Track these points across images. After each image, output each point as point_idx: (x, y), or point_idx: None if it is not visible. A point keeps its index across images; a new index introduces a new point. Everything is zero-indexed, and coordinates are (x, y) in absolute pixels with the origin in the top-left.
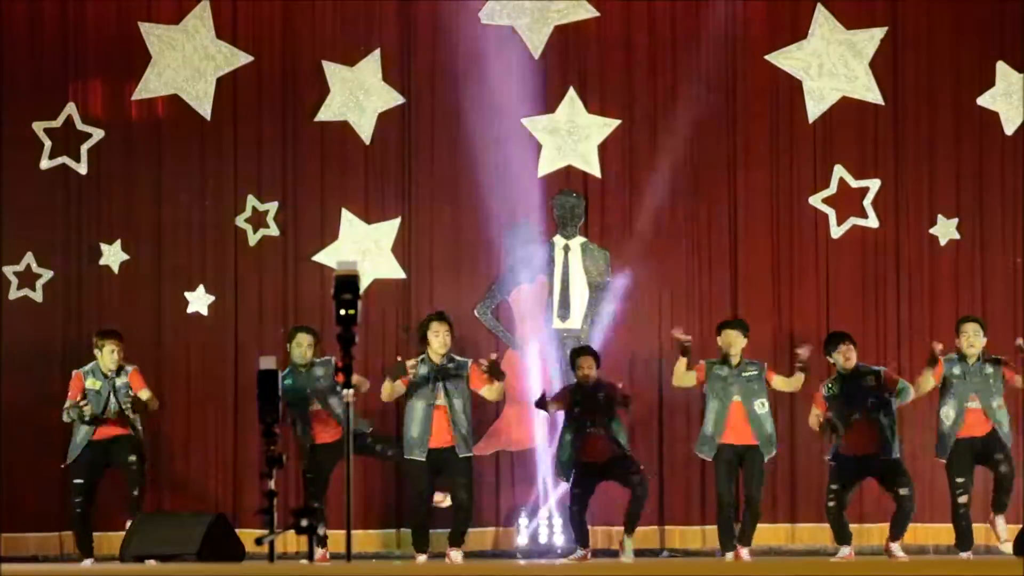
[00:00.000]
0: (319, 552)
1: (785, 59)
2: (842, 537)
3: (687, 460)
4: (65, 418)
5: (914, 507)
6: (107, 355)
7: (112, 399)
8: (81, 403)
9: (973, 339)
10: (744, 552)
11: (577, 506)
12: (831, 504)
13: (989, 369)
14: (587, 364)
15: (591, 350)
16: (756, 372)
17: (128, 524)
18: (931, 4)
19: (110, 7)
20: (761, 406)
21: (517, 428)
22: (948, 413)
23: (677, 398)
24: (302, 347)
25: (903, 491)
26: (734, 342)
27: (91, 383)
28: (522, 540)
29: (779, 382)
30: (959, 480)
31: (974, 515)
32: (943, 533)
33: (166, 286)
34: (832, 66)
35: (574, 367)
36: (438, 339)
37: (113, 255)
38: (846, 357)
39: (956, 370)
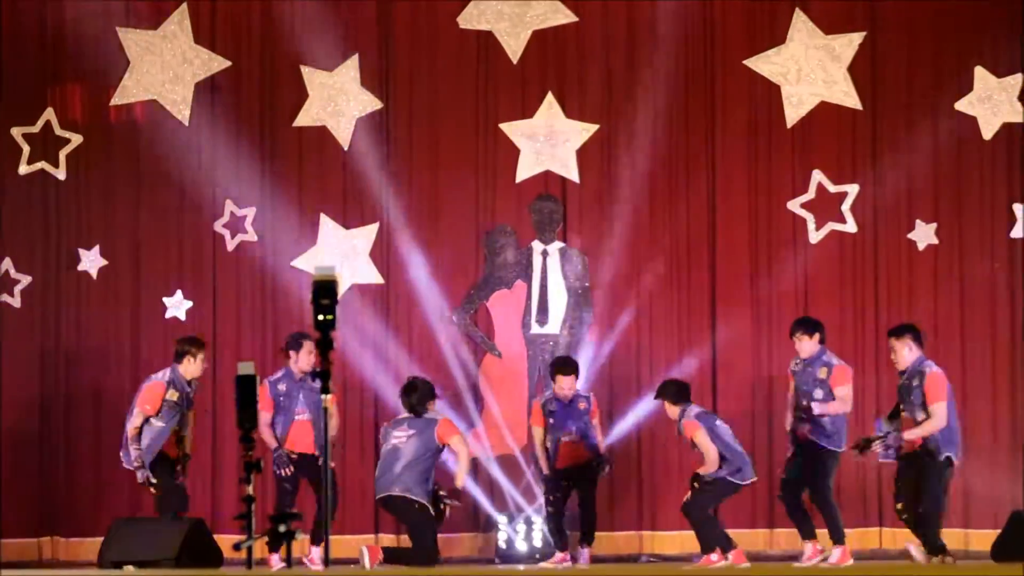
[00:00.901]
0: (315, 551)
1: (763, 64)
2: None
3: (666, 465)
4: (133, 452)
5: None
6: (199, 364)
7: (188, 413)
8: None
9: (893, 354)
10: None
11: (553, 510)
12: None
13: (916, 382)
14: (567, 384)
15: (571, 366)
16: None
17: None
18: (909, 9)
19: (88, 12)
20: None
21: (496, 434)
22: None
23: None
24: (312, 354)
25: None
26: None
27: (170, 394)
28: (501, 545)
29: None
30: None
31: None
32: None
33: (144, 291)
34: (810, 71)
35: (553, 380)
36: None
37: (91, 261)
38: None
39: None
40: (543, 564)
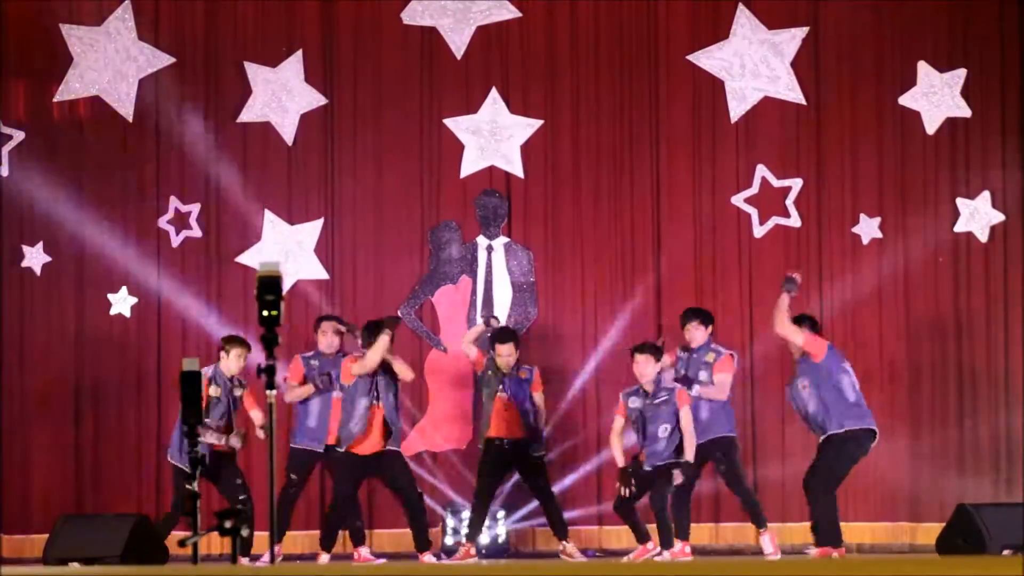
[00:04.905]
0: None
1: (707, 59)
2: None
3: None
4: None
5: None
6: (234, 359)
7: (230, 410)
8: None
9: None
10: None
11: (482, 497)
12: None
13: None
14: (506, 351)
15: (509, 334)
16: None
17: None
18: (852, 4)
19: (31, 8)
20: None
21: (442, 428)
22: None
23: (608, 397)
24: (327, 335)
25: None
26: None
27: (213, 390)
28: (447, 540)
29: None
30: None
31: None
32: (874, 531)
33: (89, 288)
34: (754, 66)
35: (493, 350)
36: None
37: (35, 257)
38: None
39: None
40: (451, 559)
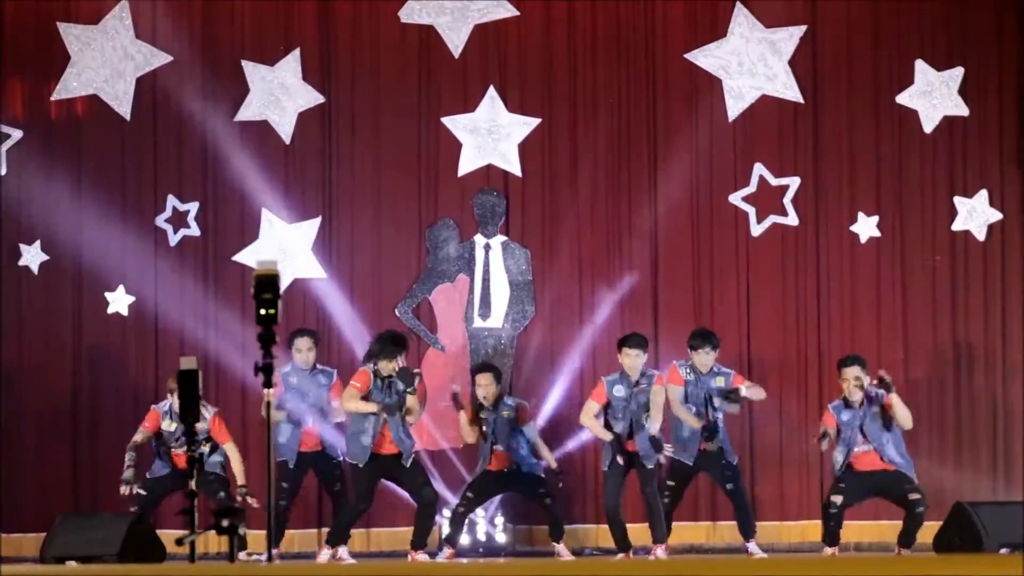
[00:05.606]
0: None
1: (705, 57)
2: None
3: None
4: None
5: None
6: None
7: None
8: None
9: (854, 386)
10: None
11: (464, 508)
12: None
13: (875, 408)
14: (484, 381)
15: (489, 366)
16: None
17: None
18: (850, 3)
19: (29, 7)
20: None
21: (439, 427)
22: (837, 459)
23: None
24: (302, 352)
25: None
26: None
27: (167, 424)
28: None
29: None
30: (840, 485)
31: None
32: (872, 530)
33: (86, 286)
34: (751, 64)
35: (473, 383)
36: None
37: (32, 256)
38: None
39: (844, 416)
40: (429, 558)
